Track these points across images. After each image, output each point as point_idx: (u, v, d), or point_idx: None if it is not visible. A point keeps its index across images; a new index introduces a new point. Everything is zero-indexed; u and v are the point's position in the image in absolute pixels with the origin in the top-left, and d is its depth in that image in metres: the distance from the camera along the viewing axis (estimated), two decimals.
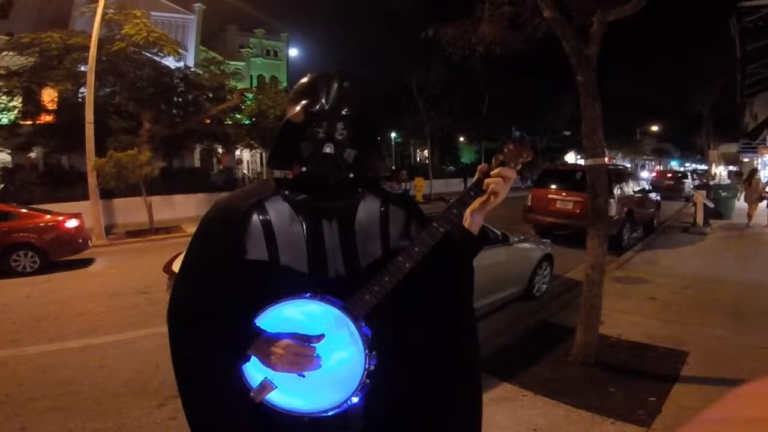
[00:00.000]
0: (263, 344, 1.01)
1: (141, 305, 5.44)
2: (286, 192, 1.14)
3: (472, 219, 1.12)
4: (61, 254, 7.83)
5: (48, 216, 8.05)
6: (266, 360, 1.00)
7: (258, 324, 1.04)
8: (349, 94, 1.09)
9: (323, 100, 1.07)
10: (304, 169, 1.11)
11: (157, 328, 4.34)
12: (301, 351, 1.00)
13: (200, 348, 1.09)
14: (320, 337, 1.02)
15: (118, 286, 6.53)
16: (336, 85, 1.08)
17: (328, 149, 1.07)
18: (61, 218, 7.99)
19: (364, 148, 1.16)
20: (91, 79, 11.12)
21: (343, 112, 1.08)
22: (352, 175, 1.14)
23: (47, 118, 15.56)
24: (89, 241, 8.65)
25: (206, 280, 1.09)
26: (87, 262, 8.30)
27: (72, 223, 8.01)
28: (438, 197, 21.46)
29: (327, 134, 1.09)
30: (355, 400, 1.03)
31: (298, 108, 1.07)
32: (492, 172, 1.08)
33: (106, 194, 12.15)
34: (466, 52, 4.85)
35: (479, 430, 1.25)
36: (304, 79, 1.14)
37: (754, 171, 14.22)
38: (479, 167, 1.12)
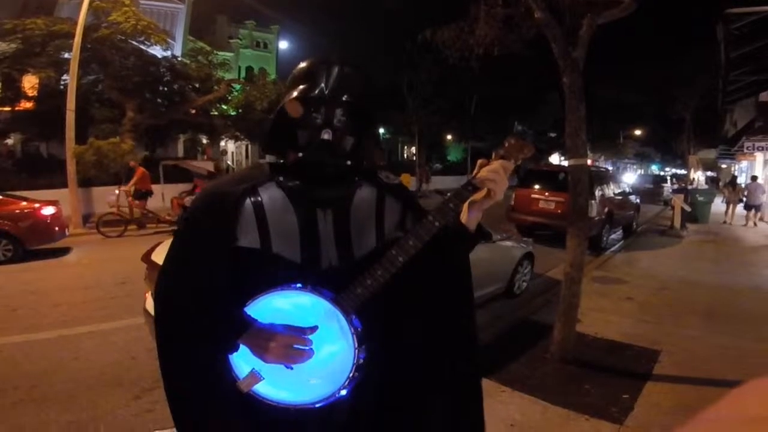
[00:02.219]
0: (255, 334, 0.99)
1: (118, 296, 5.34)
2: (281, 178, 1.10)
3: (469, 215, 1.10)
4: (37, 243, 7.62)
5: (24, 203, 7.83)
6: (257, 351, 0.99)
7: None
8: (349, 81, 1.05)
9: (323, 86, 1.03)
10: (300, 155, 1.06)
11: (134, 320, 4.27)
12: (294, 343, 0.99)
13: (188, 336, 1.06)
14: (313, 328, 1.00)
15: (95, 276, 6.41)
16: (336, 70, 1.05)
17: (327, 136, 1.03)
18: (37, 206, 7.76)
19: (362, 137, 1.13)
20: (74, 66, 10.85)
21: (343, 99, 1.04)
22: (349, 163, 1.10)
23: (27, 105, 15.16)
24: (66, 230, 8.45)
25: (195, 266, 1.06)
26: (64, 252, 8.12)
27: (48, 211, 7.79)
28: (434, 191, 21.53)
29: (325, 120, 1.05)
30: (343, 393, 1.02)
31: (295, 93, 1.03)
32: (488, 166, 1.06)
33: (86, 183, 11.90)
34: (465, 53, 4.84)
35: (479, 428, 1.24)
36: (303, 64, 1.10)
37: (735, 176, 16.98)
38: (479, 162, 1.09)
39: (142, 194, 10.44)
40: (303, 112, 1.04)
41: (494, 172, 1.05)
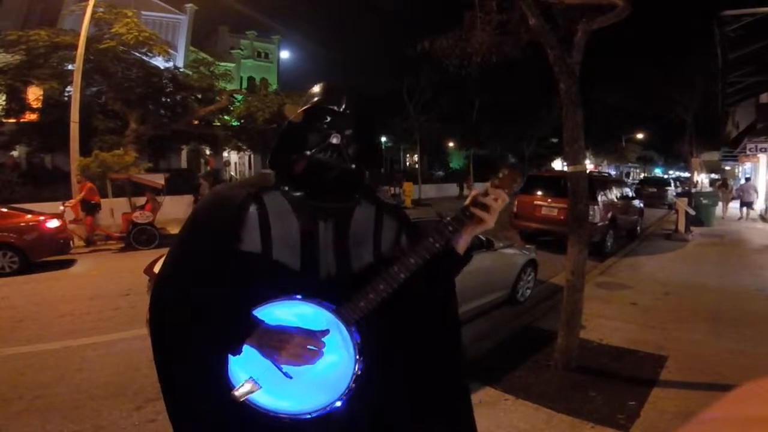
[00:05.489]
0: (267, 335, 1.00)
1: (122, 307, 5.36)
2: (286, 188, 1.14)
3: (458, 240, 1.16)
4: (41, 255, 7.67)
5: (29, 216, 7.89)
6: (269, 350, 0.99)
7: None
8: (358, 102, 1.13)
9: (336, 101, 1.11)
10: (308, 153, 1.12)
11: (137, 331, 4.28)
12: (309, 343, 1.00)
13: (188, 337, 1.07)
14: (325, 332, 1.03)
15: (99, 288, 6.42)
16: (347, 94, 1.13)
17: (335, 140, 1.10)
18: (42, 218, 7.83)
19: (366, 151, 1.19)
20: (77, 78, 10.97)
21: (353, 113, 1.12)
22: (353, 167, 1.15)
23: (31, 117, 15.32)
24: (71, 242, 8.50)
25: (197, 266, 1.07)
26: (69, 263, 8.15)
27: (53, 224, 7.85)
28: (426, 202, 21.55)
29: (334, 126, 1.12)
30: (338, 404, 1.03)
31: (308, 105, 1.11)
32: (484, 197, 1.12)
33: None
34: (464, 61, 4.86)
35: None
36: (317, 87, 1.19)
37: (726, 179, 21.41)
38: (472, 194, 1.15)
39: (91, 207, 9.95)
40: (314, 114, 1.11)
41: (493, 200, 1.11)
